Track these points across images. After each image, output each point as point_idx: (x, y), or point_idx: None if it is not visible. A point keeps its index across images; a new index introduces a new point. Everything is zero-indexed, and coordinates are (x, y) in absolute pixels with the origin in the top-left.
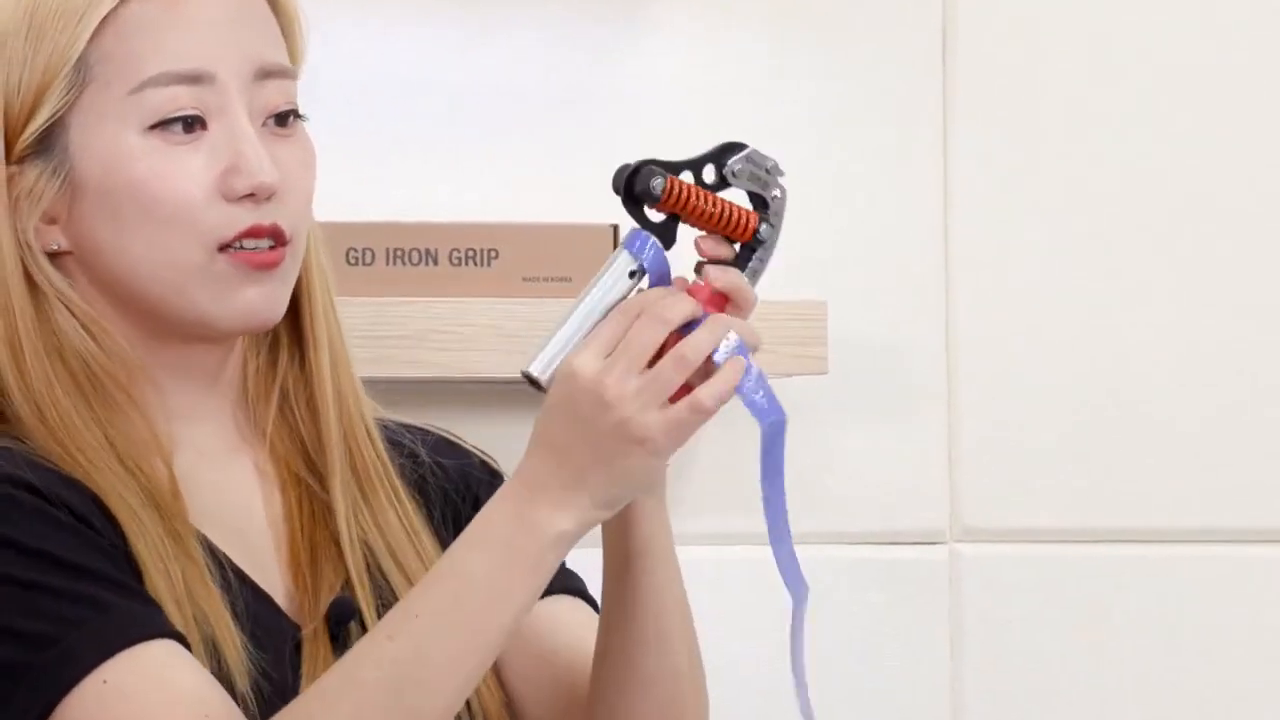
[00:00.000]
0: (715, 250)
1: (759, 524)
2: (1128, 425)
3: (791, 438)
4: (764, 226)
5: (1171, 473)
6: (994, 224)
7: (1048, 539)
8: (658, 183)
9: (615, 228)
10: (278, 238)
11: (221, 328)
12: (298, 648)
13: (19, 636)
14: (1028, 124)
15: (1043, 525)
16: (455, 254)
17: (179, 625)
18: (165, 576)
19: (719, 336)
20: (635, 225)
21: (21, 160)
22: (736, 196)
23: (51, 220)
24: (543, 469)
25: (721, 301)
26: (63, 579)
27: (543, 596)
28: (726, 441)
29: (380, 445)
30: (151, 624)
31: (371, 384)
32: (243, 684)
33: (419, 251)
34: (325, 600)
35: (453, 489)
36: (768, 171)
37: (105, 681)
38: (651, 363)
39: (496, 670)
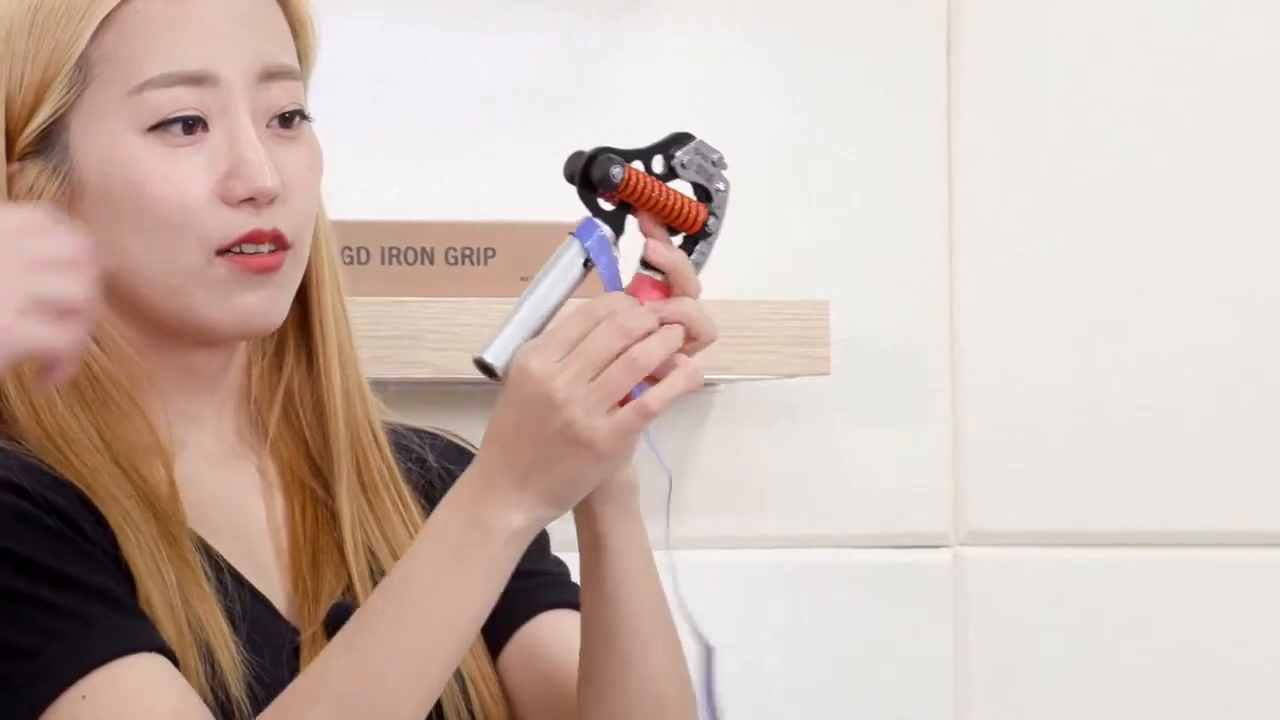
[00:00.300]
0: (659, 233)
1: (759, 525)
2: (1133, 428)
3: (793, 439)
4: (711, 219)
5: (1177, 476)
6: (998, 224)
7: (1053, 542)
8: (617, 171)
9: None
10: (278, 242)
11: (220, 332)
12: (296, 652)
13: (1, 647)
14: (1032, 123)
15: (1048, 528)
16: (451, 253)
17: (171, 629)
18: (158, 579)
19: (672, 345)
20: (587, 214)
21: (23, 158)
22: (681, 188)
23: None
24: (493, 465)
25: (667, 291)
26: (48, 589)
27: (550, 610)
28: (727, 442)
29: (388, 451)
30: (137, 638)
31: (371, 384)
32: (237, 688)
33: (415, 250)
34: (326, 605)
35: None
36: (714, 164)
37: (84, 697)
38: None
39: (502, 683)
